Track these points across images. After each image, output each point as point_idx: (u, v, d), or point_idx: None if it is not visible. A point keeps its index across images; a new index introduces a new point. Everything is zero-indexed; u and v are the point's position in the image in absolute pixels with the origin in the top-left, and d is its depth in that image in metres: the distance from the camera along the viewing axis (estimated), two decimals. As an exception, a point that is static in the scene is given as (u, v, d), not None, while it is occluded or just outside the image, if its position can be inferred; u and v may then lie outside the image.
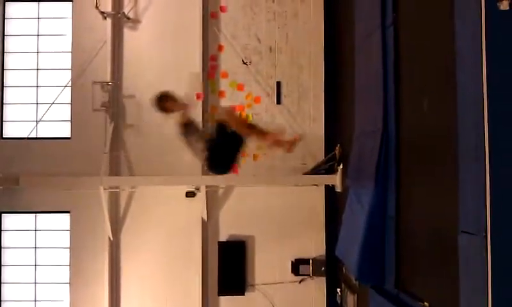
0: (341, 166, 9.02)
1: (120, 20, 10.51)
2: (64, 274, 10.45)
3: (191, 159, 10.12)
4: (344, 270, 8.92)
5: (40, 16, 10.83)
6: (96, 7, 10.11)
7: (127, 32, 10.60)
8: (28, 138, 10.15)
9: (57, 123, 10.59)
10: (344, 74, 9.59)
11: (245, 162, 10.34)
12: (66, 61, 10.64)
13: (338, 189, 9.12)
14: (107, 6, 10.36)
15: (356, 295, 8.29)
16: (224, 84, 10.51)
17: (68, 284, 10.41)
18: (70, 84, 10.37)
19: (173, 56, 10.53)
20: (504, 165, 3.68)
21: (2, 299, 10.50)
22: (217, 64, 10.55)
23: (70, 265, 10.41)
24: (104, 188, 9.55)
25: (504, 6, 3.62)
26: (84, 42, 10.46)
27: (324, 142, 10.37)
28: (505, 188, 3.67)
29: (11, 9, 10.81)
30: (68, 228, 10.45)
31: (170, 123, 10.21)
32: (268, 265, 10.32)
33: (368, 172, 6.70)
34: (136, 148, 10.43)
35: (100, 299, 10.22)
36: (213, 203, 10.41)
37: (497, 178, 3.69)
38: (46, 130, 10.56)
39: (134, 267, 10.35)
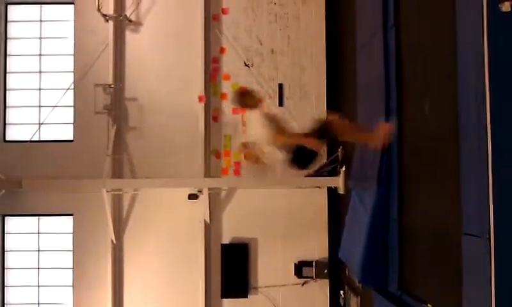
0: (344, 168, 9.00)
1: (122, 23, 10.53)
2: (68, 276, 10.46)
3: (193, 161, 10.24)
4: (347, 272, 8.90)
5: (42, 19, 10.86)
6: (99, 10, 10.14)
7: (129, 35, 10.61)
8: (31, 141, 10.18)
9: (59, 126, 10.60)
10: (345, 76, 9.58)
11: (247, 164, 10.39)
12: (69, 63, 10.66)
13: (341, 191, 9.09)
14: (109, 9, 10.38)
15: (359, 297, 8.28)
16: (226, 86, 10.51)
17: (71, 287, 10.41)
18: (72, 87, 10.39)
19: (175, 58, 10.54)
20: (506, 166, 3.66)
21: (5, 302, 10.51)
22: (219, 67, 10.55)
23: (73, 268, 10.41)
24: (107, 191, 9.55)
25: (505, 7, 3.61)
26: (86, 45, 10.48)
27: (326, 144, 10.34)
28: (508, 190, 3.65)
29: (14, 12, 10.84)
30: (71, 230, 10.45)
31: (172, 126, 10.34)
32: (271, 267, 10.31)
33: (370, 174, 6.68)
34: (139, 150, 10.44)
35: (103, 301, 10.22)
36: (215, 205, 10.41)
37: (500, 179, 3.67)
38: (48, 133, 10.58)
39: (136, 270, 10.35)
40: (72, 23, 10.70)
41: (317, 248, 10.27)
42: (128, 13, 10.49)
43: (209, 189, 10.06)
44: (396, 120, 6.17)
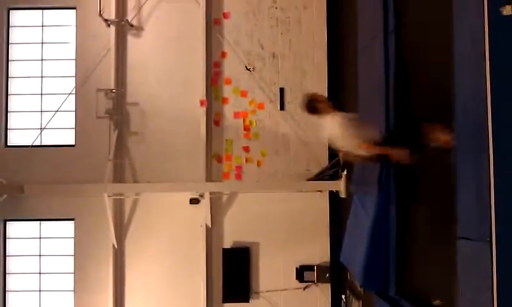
0: (345, 172, 9.00)
1: (123, 28, 10.55)
2: (69, 281, 10.45)
3: (194, 166, 10.25)
4: (349, 276, 8.89)
5: (44, 24, 10.88)
6: (100, 15, 10.18)
7: (131, 40, 10.63)
8: (32, 146, 10.19)
9: (61, 131, 10.61)
10: (347, 79, 9.59)
11: (249, 168, 10.40)
12: (70, 68, 10.68)
13: (343, 195, 9.10)
14: (111, 14, 10.41)
15: (361, 301, 8.26)
16: (227, 91, 10.52)
17: (73, 292, 10.40)
18: (74, 92, 10.40)
19: (177, 63, 10.55)
20: (506, 168, 3.66)
21: (7, 307, 10.53)
22: (221, 71, 10.56)
23: (74, 273, 10.40)
24: (108, 196, 9.57)
25: (506, 10, 3.61)
26: (88, 50, 10.50)
27: (328, 148, 10.35)
28: (508, 194, 3.64)
29: (16, 17, 10.87)
30: (73, 235, 10.45)
31: (173, 131, 10.34)
32: (272, 271, 10.29)
33: (372, 178, 6.68)
34: (140, 154, 10.44)
35: (104, 306, 10.20)
36: (217, 209, 10.40)
37: (500, 183, 3.66)
38: (50, 138, 10.59)
39: (138, 274, 10.34)
40: (74, 28, 10.73)
41: (319, 252, 10.26)
42: (129, 17, 10.51)
43: (211, 193, 10.06)
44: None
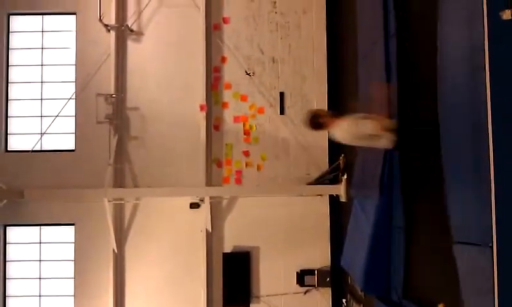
0: (345, 176, 9.01)
1: (123, 33, 10.57)
2: (69, 286, 10.43)
3: (194, 170, 10.25)
4: (350, 280, 8.88)
5: (44, 30, 10.90)
6: (100, 20, 10.20)
7: (131, 45, 10.65)
8: (32, 151, 10.19)
9: (61, 136, 10.62)
10: (347, 84, 9.61)
11: (249, 173, 10.40)
12: (70, 73, 10.70)
13: (343, 199, 9.11)
14: (111, 19, 10.43)
15: (361, 305, 8.25)
16: (227, 95, 10.54)
17: (73, 297, 10.38)
18: (74, 97, 10.41)
19: (177, 68, 10.57)
20: (508, 173, 3.66)
21: (7, 312, 10.51)
22: (221, 76, 10.58)
23: (74, 278, 10.39)
24: (109, 201, 9.57)
25: (506, 15, 3.62)
26: (88, 55, 10.51)
27: (328, 152, 10.36)
28: (510, 198, 3.65)
29: (16, 22, 10.89)
30: (73, 240, 10.44)
31: (173, 135, 10.36)
32: (273, 276, 10.28)
33: (372, 182, 6.68)
34: (140, 159, 10.45)
35: (104, 311, 10.21)
36: (217, 214, 10.40)
37: (502, 187, 3.67)
38: (50, 143, 10.59)
39: (138, 279, 10.33)
40: (74, 33, 10.75)
41: (319, 256, 10.25)
42: (129, 23, 10.54)
43: (211, 198, 10.06)
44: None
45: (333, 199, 9.97)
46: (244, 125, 10.46)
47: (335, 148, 10.19)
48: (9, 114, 10.72)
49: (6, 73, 10.72)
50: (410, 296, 5.84)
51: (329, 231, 10.31)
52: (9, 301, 10.50)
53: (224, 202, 10.45)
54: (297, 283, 10.20)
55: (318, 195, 10.11)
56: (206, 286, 10.20)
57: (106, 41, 10.47)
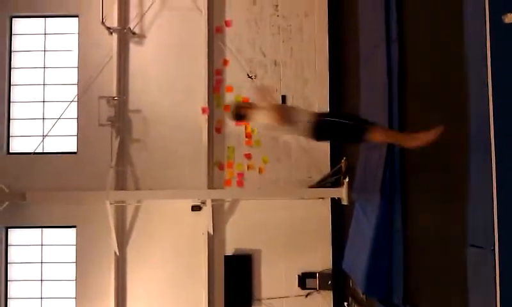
0: (347, 179, 9.00)
1: (125, 36, 10.59)
2: (71, 288, 10.44)
3: (196, 173, 10.26)
4: (351, 283, 8.87)
5: (46, 32, 10.93)
6: (103, 22, 10.22)
7: (133, 47, 10.67)
8: (34, 153, 10.20)
9: (63, 138, 10.63)
10: (348, 87, 9.61)
11: (250, 175, 10.41)
12: (73, 76, 10.72)
13: (345, 202, 9.10)
14: (113, 22, 10.45)
15: (363, 308, 8.24)
16: (229, 98, 10.54)
17: (74, 299, 10.38)
18: (76, 99, 10.43)
19: (179, 71, 10.59)
20: (509, 173, 3.67)
21: (8, 314, 10.52)
22: (223, 79, 10.59)
23: (76, 280, 10.39)
24: (110, 203, 9.58)
25: (508, 19, 3.63)
26: (90, 57, 10.53)
27: (329, 156, 10.36)
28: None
29: (18, 25, 10.91)
30: (74, 242, 10.45)
31: (175, 138, 10.37)
32: (274, 278, 10.28)
33: (374, 185, 6.68)
34: (142, 162, 10.46)
35: (106, 313, 10.21)
36: (219, 216, 10.40)
37: (504, 191, 3.67)
38: (52, 145, 10.61)
39: (140, 281, 10.33)
40: (76, 36, 10.77)
41: (321, 259, 10.25)
42: (132, 25, 10.56)
43: (212, 201, 10.06)
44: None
45: (335, 202, 9.96)
46: (245, 127, 10.46)
47: (337, 151, 10.20)
48: (11, 116, 10.73)
49: (9, 76, 10.74)
50: (411, 300, 5.83)
51: (331, 234, 10.31)
52: (11, 303, 10.51)
53: (226, 205, 10.45)
54: (298, 286, 10.19)
55: (320, 198, 10.11)
56: (207, 288, 10.20)
57: (108, 44, 10.49)
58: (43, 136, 10.41)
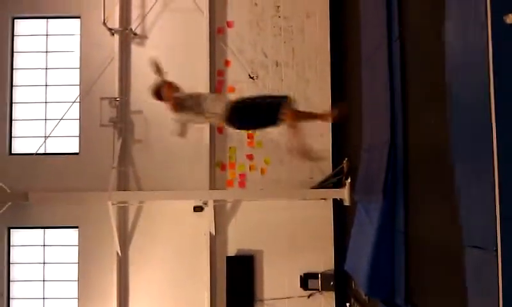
0: (349, 180, 9.00)
1: (127, 36, 10.61)
2: (73, 289, 10.45)
3: (198, 174, 10.26)
4: (353, 284, 8.87)
5: (48, 33, 10.95)
6: (104, 23, 10.23)
7: (135, 48, 10.68)
8: (37, 154, 10.22)
9: (65, 139, 10.65)
10: (350, 88, 9.61)
11: (252, 176, 10.41)
12: (75, 77, 10.74)
13: (347, 203, 9.10)
14: (115, 23, 10.46)
15: (365, 309, 8.24)
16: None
17: (77, 300, 10.40)
18: (78, 100, 10.44)
19: (180, 71, 10.47)
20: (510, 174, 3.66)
21: (10, 315, 10.53)
22: (224, 79, 10.60)
23: (78, 280, 10.41)
24: (112, 204, 9.58)
25: (510, 19, 3.62)
26: (92, 58, 10.55)
27: (331, 156, 10.35)
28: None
29: (20, 26, 10.93)
30: (77, 243, 10.47)
31: (177, 139, 10.35)
32: (277, 279, 10.28)
33: (376, 186, 6.68)
34: (144, 162, 10.47)
35: (108, 314, 10.22)
36: (221, 217, 10.41)
37: (506, 192, 3.67)
38: (54, 146, 10.62)
39: (142, 282, 10.34)
40: (78, 37, 10.79)
41: (323, 260, 10.24)
42: (133, 26, 10.57)
43: (214, 201, 10.07)
44: (402, 131, 6.19)
45: (337, 203, 9.96)
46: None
47: (339, 152, 10.20)
48: (13, 117, 10.76)
49: (11, 77, 10.77)
50: (413, 301, 5.83)
51: (333, 234, 10.30)
52: (13, 303, 10.53)
53: (228, 205, 10.46)
54: (300, 287, 10.19)
55: (322, 199, 10.10)
56: (209, 289, 10.21)
57: (110, 45, 10.50)
58: (45, 137, 10.43)
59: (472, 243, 4.08)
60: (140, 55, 10.62)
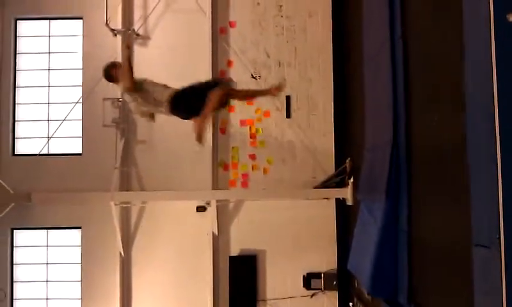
0: (352, 179, 8.99)
1: (129, 37, 10.60)
2: (76, 289, 10.47)
3: (200, 174, 10.27)
4: (356, 284, 8.86)
5: (51, 34, 10.97)
6: (107, 24, 10.25)
7: (137, 49, 10.69)
8: (39, 154, 10.24)
9: (68, 140, 10.67)
10: (353, 87, 9.60)
11: (255, 176, 10.41)
12: (77, 77, 10.75)
13: (349, 202, 9.09)
14: (117, 23, 10.48)
15: (368, 309, 8.23)
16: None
17: (80, 300, 10.41)
18: (80, 101, 10.46)
19: (183, 72, 10.53)
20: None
21: (14, 315, 10.55)
22: (227, 80, 10.59)
23: (81, 281, 10.43)
24: (115, 204, 9.59)
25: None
26: (94, 59, 10.54)
27: (334, 156, 10.35)
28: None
29: (23, 27, 10.96)
30: (79, 243, 10.48)
31: (180, 139, 10.37)
32: (280, 279, 10.28)
33: (379, 185, 6.66)
34: (147, 163, 10.48)
35: (111, 314, 10.23)
36: (224, 217, 10.41)
37: (510, 189, 3.66)
38: (57, 147, 10.64)
39: (144, 283, 10.35)
40: (81, 38, 10.81)
41: (326, 260, 10.24)
42: (136, 27, 10.58)
43: (217, 201, 10.07)
44: (404, 130, 6.18)
45: (340, 203, 9.95)
46: (250, 128, 10.47)
47: (342, 151, 10.20)
48: (16, 118, 10.79)
49: (14, 78, 10.80)
50: (416, 300, 5.82)
51: (336, 234, 10.30)
52: (16, 304, 10.55)
53: (231, 205, 10.46)
54: (303, 287, 10.19)
55: (324, 198, 10.09)
56: (212, 289, 10.21)
57: (113, 46, 10.52)
58: (48, 138, 10.45)
59: (476, 241, 4.07)
60: (143, 56, 10.64)
